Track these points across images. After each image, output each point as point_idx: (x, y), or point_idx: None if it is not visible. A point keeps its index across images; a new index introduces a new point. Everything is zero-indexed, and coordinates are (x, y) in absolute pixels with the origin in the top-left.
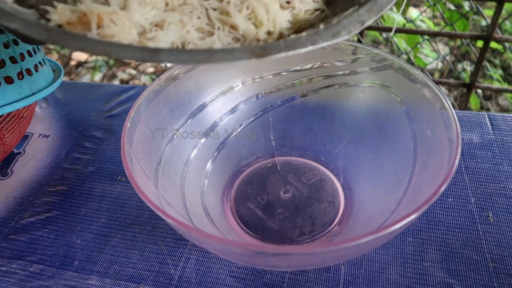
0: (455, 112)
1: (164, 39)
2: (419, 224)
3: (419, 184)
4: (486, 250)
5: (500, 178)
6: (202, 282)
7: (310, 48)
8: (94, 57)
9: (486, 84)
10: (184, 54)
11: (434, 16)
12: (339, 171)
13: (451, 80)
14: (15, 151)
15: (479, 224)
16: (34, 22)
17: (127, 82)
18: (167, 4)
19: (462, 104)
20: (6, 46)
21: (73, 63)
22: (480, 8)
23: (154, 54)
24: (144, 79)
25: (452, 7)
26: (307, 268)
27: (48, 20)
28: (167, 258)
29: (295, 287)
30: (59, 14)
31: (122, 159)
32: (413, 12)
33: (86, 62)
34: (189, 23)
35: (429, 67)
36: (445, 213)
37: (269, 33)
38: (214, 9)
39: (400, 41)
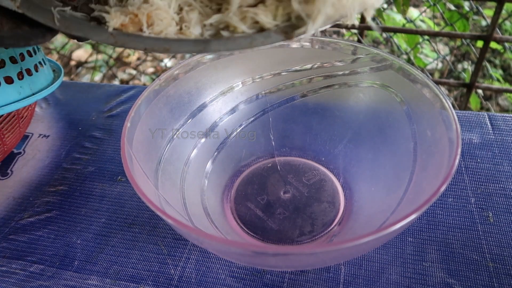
0: (455, 112)
1: (195, 31)
2: (419, 224)
3: (419, 184)
4: (486, 250)
5: (500, 178)
6: (202, 282)
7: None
8: (94, 57)
9: (486, 84)
10: (230, 43)
11: (434, 16)
12: (339, 171)
13: (451, 80)
14: (15, 151)
15: (479, 224)
16: (98, 28)
17: (127, 82)
18: None
19: (462, 104)
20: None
21: (73, 63)
22: (480, 8)
23: (206, 45)
24: (144, 79)
25: (452, 7)
26: (307, 268)
27: (94, 19)
28: (167, 258)
29: (295, 287)
30: (114, 17)
31: (122, 159)
32: (413, 12)
33: (86, 62)
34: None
35: (429, 67)
36: (445, 213)
37: None
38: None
39: (400, 41)
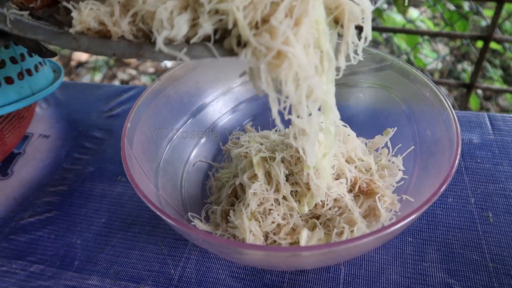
0: (455, 112)
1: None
2: (419, 224)
3: (419, 184)
4: (486, 250)
5: (500, 178)
6: (202, 282)
7: None
8: (94, 58)
9: (486, 84)
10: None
11: (434, 16)
12: None
13: (451, 80)
14: (15, 151)
15: (479, 224)
16: (59, 31)
17: (127, 82)
18: None
19: (462, 104)
20: (6, 46)
21: (73, 63)
22: (480, 8)
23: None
24: (144, 79)
25: (452, 8)
26: (307, 268)
27: (61, 25)
28: (167, 258)
29: (295, 287)
30: (82, 22)
31: (122, 160)
32: (413, 12)
33: (86, 62)
34: None
35: (429, 67)
36: (445, 214)
37: None
38: None
39: (400, 41)
